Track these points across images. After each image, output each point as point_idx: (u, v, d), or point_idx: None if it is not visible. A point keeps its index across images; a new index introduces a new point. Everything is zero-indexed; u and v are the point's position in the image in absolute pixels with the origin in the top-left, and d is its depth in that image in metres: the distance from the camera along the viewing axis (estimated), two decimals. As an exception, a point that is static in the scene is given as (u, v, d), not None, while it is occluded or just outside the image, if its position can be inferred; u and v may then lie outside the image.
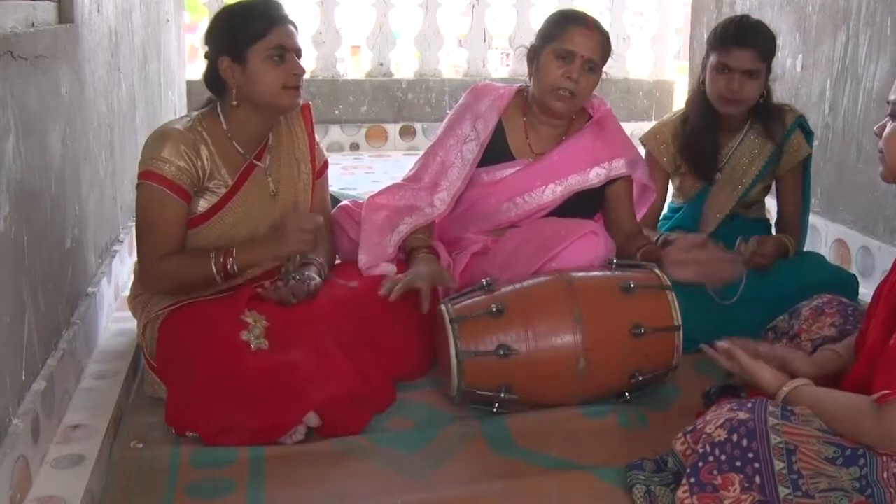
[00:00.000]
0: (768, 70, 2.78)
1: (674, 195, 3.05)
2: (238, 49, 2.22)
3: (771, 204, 3.10)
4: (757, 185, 2.91)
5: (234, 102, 2.26)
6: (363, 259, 2.49)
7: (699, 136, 2.84)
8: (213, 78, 2.30)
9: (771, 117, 2.84)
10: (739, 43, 2.70)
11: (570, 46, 2.49)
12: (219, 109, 2.32)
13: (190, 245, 2.28)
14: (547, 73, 2.52)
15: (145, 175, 2.22)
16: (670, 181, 3.01)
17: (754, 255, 2.68)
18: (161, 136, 2.25)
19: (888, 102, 1.82)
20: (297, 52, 2.29)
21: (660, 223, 3.01)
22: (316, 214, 2.35)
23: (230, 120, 2.31)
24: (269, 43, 2.22)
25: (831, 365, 1.98)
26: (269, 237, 2.29)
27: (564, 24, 2.54)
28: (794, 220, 2.94)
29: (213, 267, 2.20)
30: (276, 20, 2.25)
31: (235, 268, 2.22)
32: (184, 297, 2.26)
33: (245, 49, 2.22)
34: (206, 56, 2.32)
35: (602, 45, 2.54)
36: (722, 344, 1.96)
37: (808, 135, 2.93)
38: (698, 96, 2.86)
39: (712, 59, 2.77)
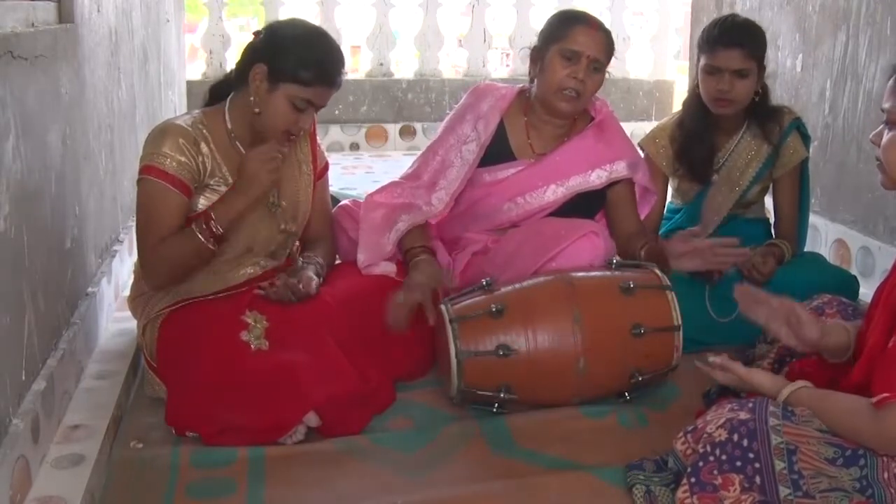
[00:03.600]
0: (761, 68, 2.77)
1: (672, 196, 3.05)
2: (277, 73, 2.21)
3: (770, 204, 3.10)
4: (754, 187, 2.90)
5: (257, 110, 2.25)
6: (362, 258, 2.49)
7: (694, 139, 2.83)
8: (244, 67, 2.28)
9: (767, 118, 2.83)
10: (726, 43, 2.70)
11: (575, 46, 2.49)
12: (227, 107, 2.32)
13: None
14: (552, 74, 2.52)
15: (146, 170, 2.22)
16: (670, 182, 3.00)
17: (754, 268, 2.66)
18: (162, 132, 2.25)
19: (883, 110, 1.82)
20: (320, 108, 2.30)
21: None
22: (274, 142, 2.30)
23: (236, 119, 2.31)
24: (303, 93, 2.22)
25: (839, 338, 1.96)
26: (238, 183, 2.25)
27: (568, 24, 2.54)
28: (790, 224, 2.92)
29: (200, 235, 2.19)
30: (324, 81, 2.24)
31: (219, 228, 2.20)
32: (176, 295, 2.25)
33: (281, 80, 2.21)
34: (256, 34, 2.31)
35: (606, 44, 2.54)
36: (714, 359, 1.95)
37: (805, 138, 2.92)
38: (693, 99, 2.86)
39: (702, 61, 2.78)
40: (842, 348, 1.95)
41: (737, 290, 2.07)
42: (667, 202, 3.03)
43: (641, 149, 2.93)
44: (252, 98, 2.25)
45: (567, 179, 2.62)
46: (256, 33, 2.33)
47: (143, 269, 2.29)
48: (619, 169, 2.65)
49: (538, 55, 2.59)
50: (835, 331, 1.98)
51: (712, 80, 2.74)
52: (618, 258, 2.40)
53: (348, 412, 2.16)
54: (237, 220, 2.25)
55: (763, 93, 2.82)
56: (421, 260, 2.48)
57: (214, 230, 2.19)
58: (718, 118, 2.81)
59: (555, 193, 2.62)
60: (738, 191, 2.88)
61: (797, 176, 2.93)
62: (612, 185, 2.66)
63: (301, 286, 2.25)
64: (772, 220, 3.07)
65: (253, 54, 2.27)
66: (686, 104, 2.92)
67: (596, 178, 2.63)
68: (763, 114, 2.84)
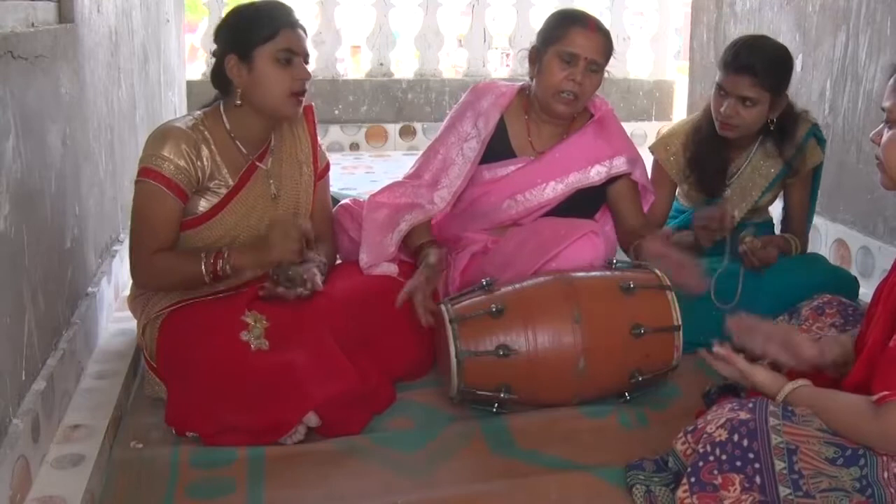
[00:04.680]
0: (778, 96, 2.66)
1: (680, 198, 3.02)
2: (246, 48, 2.23)
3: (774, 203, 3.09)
4: (766, 197, 2.88)
5: (238, 102, 2.26)
6: (364, 258, 2.49)
7: (706, 153, 2.77)
8: (219, 75, 2.30)
9: (784, 135, 2.75)
10: (737, 69, 2.61)
11: (573, 49, 2.49)
12: (222, 109, 2.32)
13: (190, 245, 2.28)
14: (550, 76, 2.52)
15: (144, 172, 2.22)
16: (678, 186, 2.96)
17: (753, 254, 2.64)
18: (163, 135, 2.25)
19: (883, 109, 1.82)
20: (305, 57, 2.30)
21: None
22: (304, 221, 2.33)
23: (233, 119, 2.31)
24: (277, 45, 2.23)
25: (835, 353, 1.96)
26: (257, 243, 2.27)
27: (566, 25, 2.54)
28: (800, 223, 2.90)
29: (203, 267, 2.19)
30: (285, 23, 2.26)
31: (226, 269, 2.20)
32: (176, 296, 2.26)
33: (252, 49, 2.22)
34: (214, 53, 2.33)
35: (604, 45, 2.53)
36: (718, 349, 1.95)
37: (822, 142, 2.87)
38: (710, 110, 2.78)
39: (717, 77, 2.70)
40: (840, 363, 1.95)
41: (729, 321, 2.04)
42: (674, 202, 3.01)
43: (651, 153, 2.90)
44: (238, 91, 2.25)
45: (566, 176, 2.62)
46: (214, 52, 2.34)
47: (133, 269, 2.29)
48: (619, 165, 2.65)
49: (536, 55, 2.59)
50: (831, 347, 1.97)
51: (718, 101, 2.67)
52: (618, 258, 2.40)
53: (348, 412, 2.16)
54: (244, 271, 2.25)
55: (781, 116, 2.72)
56: (432, 251, 2.49)
57: (219, 271, 2.20)
58: None
59: (554, 190, 2.62)
60: (749, 201, 2.83)
61: (810, 179, 2.90)
62: (612, 182, 2.66)
63: (307, 282, 2.24)
64: (776, 220, 3.06)
65: (219, 59, 2.28)
66: (705, 112, 2.82)
67: (595, 174, 2.63)
68: (780, 132, 2.75)
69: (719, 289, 2.59)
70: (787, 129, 2.76)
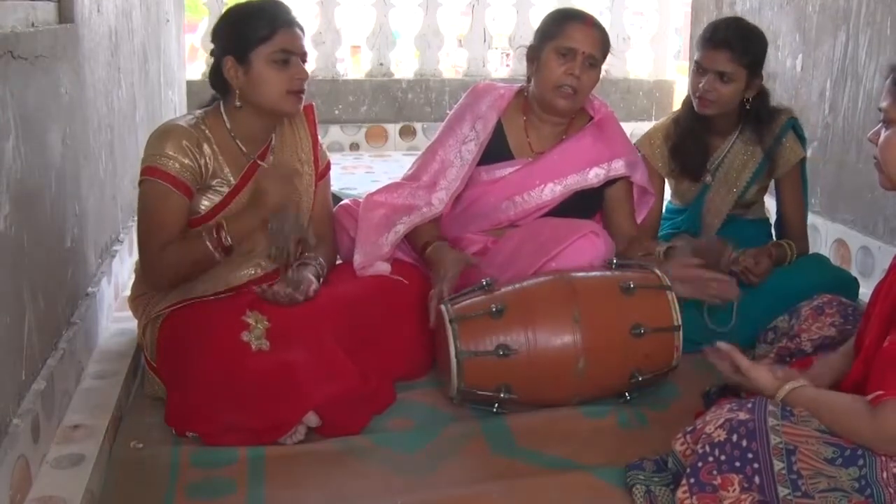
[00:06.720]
0: (754, 75, 2.73)
1: (672, 197, 3.04)
2: (242, 50, 2.23)
3: (770, 203, 3.10)
4: (752, 188, 2.89)
5: (238, 104, 2.27)
6: (358, 259, 2.49)
7: (687, 136, 2.83)
8: (217, 77, 2.30)
9: (760, 122, 2.81)
10: (715, 44, 2.68)
11: (571, 43, 2.50)
12: (222, 108, 2.33)
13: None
14: (549, 71, 2.53)
15: (149, 171, 2.22)
16: (667, 184, 2.99)
17: (747, 270, 2.64)
18: (164, 133, 2.26)
19: (880, 109, 1.82)
20: (303, 56, 2.30)
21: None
22: (288, 164, 2.36)
23: (233, 119, 2.31)
24: (273, 46, 2.23)
25: (834, 375, 1.96)
26: (252, 200, 2.27)
27: (563, 21, 2.56)
28: (796, 225, 2.91)
29: (209, 244, 2.19)
30: (281, 23, 2.26)
31: (229, 239, 2.20)
32: (176, 295, 2.25)
33: (249, 51, 2.23)
34: (212, 54, 2.33)
35: (601, 40, 2.55)
36: (723, 344, 1.95)
37: (801, 138, 2.90)
38: (690, 98, 2.85)
39: (695, 56, 2.78)
40: (836, 384, 1.94)
41: (708, 354, 2.02)
42: (667, 203, 3.03)
43: (637, 150, 2.92)
44: (237, 92, 2.26)
45: (564, 178, 2.62)
46: (212, 52, 2.34)
47: (145, 270, 2.29)
48: (618, 167, 2.65)
49: (534, 54, 2.60)
50: (821, 374, 1.96)
51: (696, 78, 2.74)
52: (617, 258, 2.40)
53: (348, 412, 2.16)
54: (247, 233, 2.26)
55: (756, 99, 2.78)
56: (438, 246, 2.48)
57: (224, 241, 2.20)
58: (712, 119, 2.79)
59: (552, 192, 2.62)
60: (735, 192, 2.86)
61: (797, 176, 2.92)
62: (610, 184, 2.66)
63: (298, 294, 2.24)
64: (772, 220, 3.07)
65: (217, 60, 2.28)
66: (685, 102, 2.91)
67: (594, 176, 2.64)
68: (757, 118, 2.81)
69: (712, 311, 2.55)
70: (764, 115, 2.82)
